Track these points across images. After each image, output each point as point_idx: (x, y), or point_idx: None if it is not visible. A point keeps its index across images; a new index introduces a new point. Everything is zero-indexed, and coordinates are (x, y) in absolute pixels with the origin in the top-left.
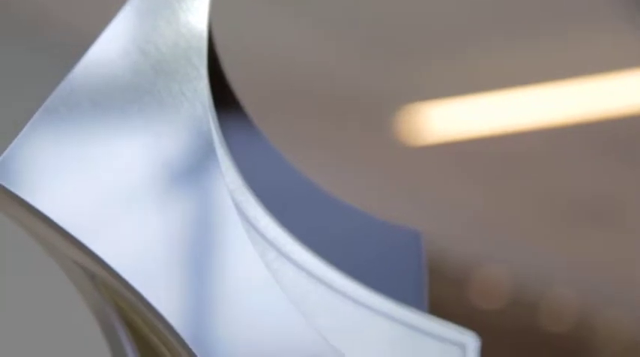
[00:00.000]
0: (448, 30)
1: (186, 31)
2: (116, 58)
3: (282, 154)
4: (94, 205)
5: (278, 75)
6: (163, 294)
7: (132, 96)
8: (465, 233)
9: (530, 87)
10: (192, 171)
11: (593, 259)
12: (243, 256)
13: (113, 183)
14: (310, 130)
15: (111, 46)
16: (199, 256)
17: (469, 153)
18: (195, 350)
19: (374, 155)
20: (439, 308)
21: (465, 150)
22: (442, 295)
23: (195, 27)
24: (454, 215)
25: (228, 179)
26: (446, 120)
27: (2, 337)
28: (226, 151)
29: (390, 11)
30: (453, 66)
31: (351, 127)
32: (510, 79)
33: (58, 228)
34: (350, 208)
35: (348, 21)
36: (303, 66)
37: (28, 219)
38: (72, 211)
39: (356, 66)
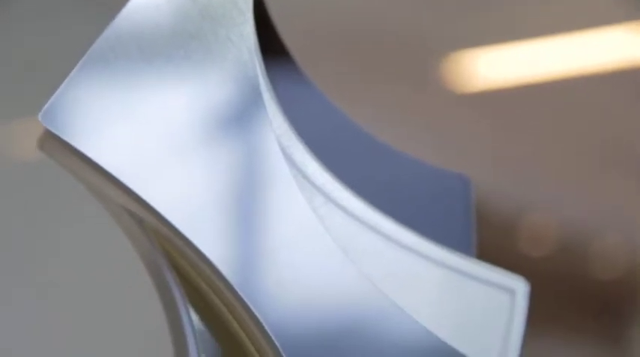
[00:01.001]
0: None
1: None
2: (162, 2)
3: (329, 100)
4: (142, 151)
5: (323, 21)
6: (211, 240)
7: (178, 41)
8: (513, 181)
9: (577, 34)
10: (239, 116)
11: None
12: (291, 201)
13: (160, 129)
14: (355, 77)
15: None
16: (246, 202)
17: (517, 101)
18: (242, 295)
19: (419, 103)
20: (487, 255)
21: (513, 98)
22: (490, 243)
23: None
24: (501, 163)
25: (275, 124)
26: (493, 68)
27: (53, 283)
28: (273, 97)
29: None
30: (500, 13)
31: (396, 75)
32: (555, 26)
33: (107, 174)
34: (398, 154)
35: None
36: (349, 12)
37: (77, 165)
38: (120, 157)
39: (404, 12)
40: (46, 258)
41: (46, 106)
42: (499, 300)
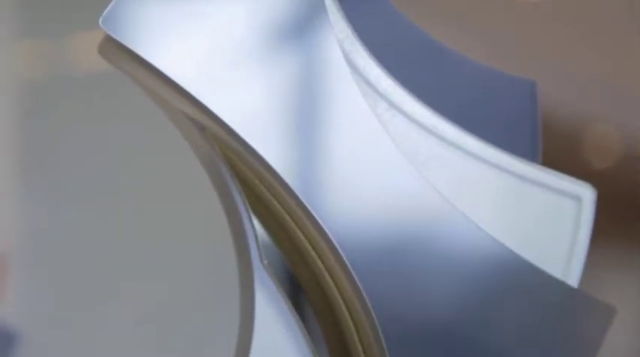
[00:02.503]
0: None
1: None
2: None
3: (393, 5)
4: (203, 58)
5: None
6: (273, 145)
7: None
8: (581, 89)
9: None
10: (301, 23)
11: None
12: (353, 107)
13: (221, 35)
14: None
15: None
16: (308, 109)
17: (589, 8)
18: (304, 201)
19: (484, 8)
20: (552, 163)
21: (583, 5)
22: (555, 154)
23: None
24: (570, 71)
25: (337, 29)
26: None
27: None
28: (335, 2)
29: None
30: None
31: None
32: None
33: (168, 80)
34: (463, 59)
35: None
36: None
37: (137, 71)
38: (180, 63)
39: None
40: (109, 170)
41: (107, 10)
42: (565, 207)
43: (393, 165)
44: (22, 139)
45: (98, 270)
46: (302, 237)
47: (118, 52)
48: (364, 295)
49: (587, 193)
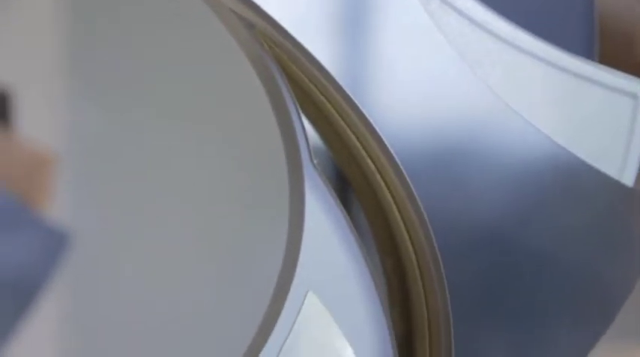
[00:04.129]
0: None
1: None
2: None
3: None
4: None
5: None
6: (323, 43)
7: None
8: None
9: None
10: None
11: None
12: (405, 4)
13: None
14: None
15: None
16: (359, 5)
17: None
18: (355, 100)
19: None
20: (609, 62)
21: None
22: (612, 50)
23: None
24: None
25: None
26: None
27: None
28: None
29: None
30: None
31: None
32: None
33: None
34: None
35: None
36: None
37: None
38: None
39: None
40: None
41: None
42: (621, 105)
43: (446, 63)
44: (73, 33)
45: (148, 170)
46: (352, 137)
47: None
48: (415, 195)
49: None
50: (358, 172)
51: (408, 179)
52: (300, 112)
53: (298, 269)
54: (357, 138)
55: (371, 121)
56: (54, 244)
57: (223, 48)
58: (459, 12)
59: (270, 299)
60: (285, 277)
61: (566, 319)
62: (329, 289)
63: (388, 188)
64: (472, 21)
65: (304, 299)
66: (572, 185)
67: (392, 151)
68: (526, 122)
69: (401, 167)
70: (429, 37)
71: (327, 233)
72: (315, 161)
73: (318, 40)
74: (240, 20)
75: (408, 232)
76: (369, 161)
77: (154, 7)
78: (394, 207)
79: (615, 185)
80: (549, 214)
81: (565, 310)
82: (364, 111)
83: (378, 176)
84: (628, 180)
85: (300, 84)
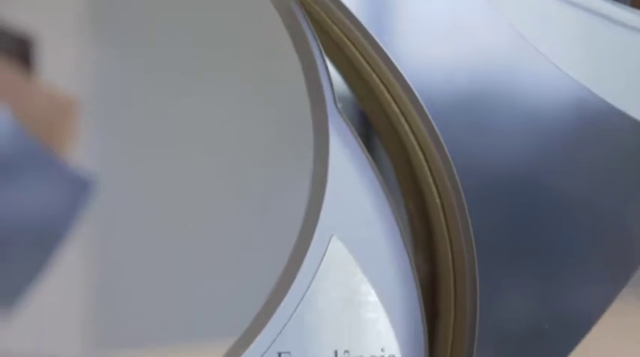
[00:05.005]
0: None
1: None
2: None
3: None
4: None
5: None
6: None
7: None
8: None
9: None
10: None
11: None
12: None
13: None
14: None
15: None
16: None
17: None
18: (380, 43)
19: None
20: (637, 5)
21: None
22: None
23: None
24: None
25: None
26: None
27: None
28: None
29: None
30: None
31: None
32: None
33: None
34: None
35: None
36: None
37: None
38: None
39: None
40: (183, 19)
41: None
42: None
43: (471, 5)
44: None
45: (170, 114)
46: (377, 81)
47: None
48: (441, 140)
49: None
50: (382, 116)
51: (433, 124)
52: (325, 56)
53: (322, 213)
54: (382, 82)
55: (396, 64)
56: (78, 190)
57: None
58: None
59: (294, 244)
60: (309, 221)
61: (592, 263)
62: (353, 233)
63: (412, 132)
64: None
65: (328, 244)
66: (598, 128)
67: (417, 94)
68: (552, 64)
69: (425, 110)
70: None
71: (351, 177)
72: (339, 105)
73: None
74: None
75: (432, 175)
76: (393, 105)
77: None
78: (418, 150)
79: None
80: (574, 157)
81: (590, 253)
82: (389, 54)
83: (403, 120)
84: None
85: (325, 27)
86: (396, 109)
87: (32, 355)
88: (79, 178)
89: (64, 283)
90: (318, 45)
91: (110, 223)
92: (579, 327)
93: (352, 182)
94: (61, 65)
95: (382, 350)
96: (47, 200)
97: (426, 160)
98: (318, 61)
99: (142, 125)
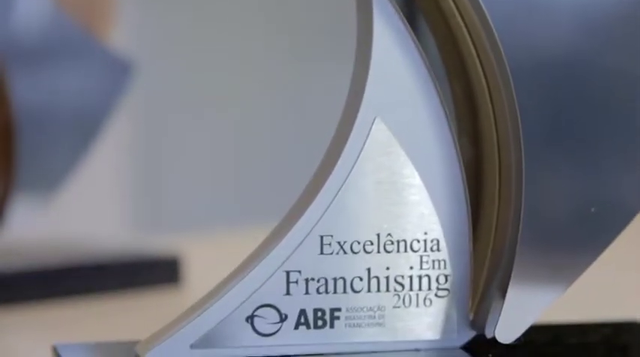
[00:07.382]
0: None
1: None
2: None
3: None
4: None
5: None
6: None
7: None
8: None
9: None
10: None
11: None
12: None
13: None
14: None
15: None
16: None
17: None
18: None
19: None
20: None
21: None
22: None
23: None
24: None
25: None
26: None
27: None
28: None
29: None
30: None
31: None
32: None
33: None
34: None
35: None
36: None
37: None
38: None
39: None
40: None
41: None
42: None
43: None
44: None
45: None
46: None
47: None
48: (489, 18)
49: None
50: None
51: (479, 1)
52: None
53: (366, 94)
54: None
55: None
56: (118, 73)
57: None
58: None
59: (338, 124)
60: (353, 102)
61: (638, 150)
62: (397, 115)
63: (459, 12)
64: None
65: (372, 126)
66: None
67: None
68: None
69: None
70: None
71: (395, 58)
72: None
73: None
74: None
75: (478, 55)
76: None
77: None
78: (465, 31)
79: None
80: (621, 36)
81: (636, 139)
82: None
83: None
84: None
85: None
86: None
87: (71, 237)
88: (119, 62)
89: (104, 168)
90: None
91: (150, 107)
92: (625, 212)
93: (396, 63)
94: None
95: (425, 233)
96: (87, 84)
97: (472, 41)
98: None
99: (181, 9)
